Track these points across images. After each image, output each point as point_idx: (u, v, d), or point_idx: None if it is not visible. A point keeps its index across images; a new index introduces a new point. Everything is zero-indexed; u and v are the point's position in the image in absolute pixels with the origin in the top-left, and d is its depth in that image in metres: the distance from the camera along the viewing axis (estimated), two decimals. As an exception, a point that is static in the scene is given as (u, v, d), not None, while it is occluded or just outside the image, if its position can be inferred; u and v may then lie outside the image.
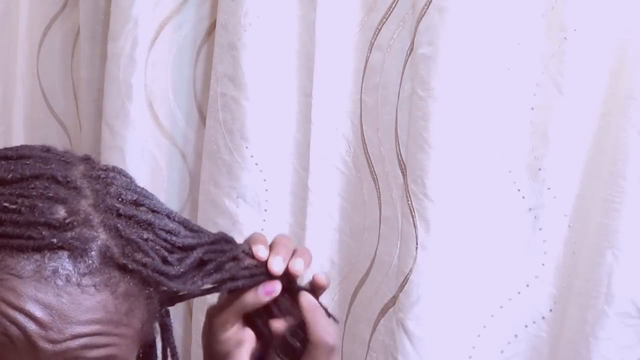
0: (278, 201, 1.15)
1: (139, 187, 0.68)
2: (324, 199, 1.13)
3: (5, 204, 0.61)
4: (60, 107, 1.44)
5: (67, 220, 0.60)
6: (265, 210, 1.15)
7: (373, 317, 1.07)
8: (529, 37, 0.96)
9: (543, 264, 0.99)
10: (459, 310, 1.01)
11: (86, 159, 0.68)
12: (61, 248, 0.59)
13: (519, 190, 0.99)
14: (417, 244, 0.98)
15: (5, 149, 0.67)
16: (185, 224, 0.68)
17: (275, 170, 1.14)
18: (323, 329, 0.70)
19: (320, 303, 0.74)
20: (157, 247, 0.64)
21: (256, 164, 1.14)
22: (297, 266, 0.71)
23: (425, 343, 1.00)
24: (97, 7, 1.28)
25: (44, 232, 0.60)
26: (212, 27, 1.21)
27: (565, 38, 0.94)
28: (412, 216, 0.98)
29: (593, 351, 0.94)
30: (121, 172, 0.68)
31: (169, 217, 0.67)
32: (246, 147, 1.13)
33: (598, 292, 0.93)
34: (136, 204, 0.65)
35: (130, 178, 0.69)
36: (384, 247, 1.07)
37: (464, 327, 1.01)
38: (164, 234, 0.65)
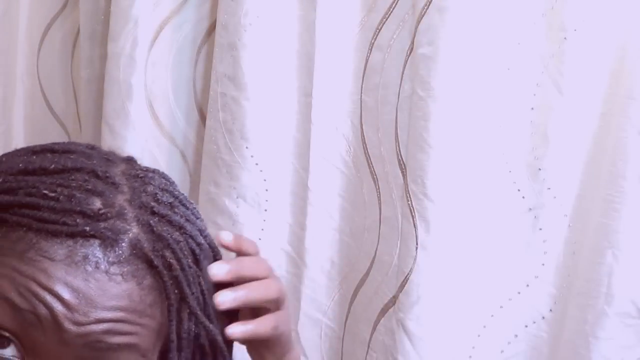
0: (278, 201, 1.15)
1: (179, 192, 0.70)
2: (324, 199, 1.13)
3: (45, 191, 0.63)
4: (60, 107, 1.44)
5: (102, 211, 0.63)
6: (265, 210, 1.15)
7: (373, 317, 1.07)
8: (529, 37, 0.96)
9: (543, 264, 0.99)
10: (459, 310, 1.01)
11: (128, 160, 0.70)
12: (93, 236, 0.62)
13: (519, 190, 0.99)
14: (417, 244, 0.98)
15: (53, 143, 0.69)
16: (212, 248, 0.70)
17: (275, 170, 1.14)
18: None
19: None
20: (185, 251, 0.66)
21: (256, 164, 1.14)
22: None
23: (425, 343, 1.00)
24: (97, 7, 1.28)
25: (78, 220, 0.62)
26: (212, 27, 1.21)
27: (565, 38, 0.94)
28: (412, 216, 0.98)
29: (593, 351, 0.94)
30: (162, 175, 0.70)
31: (200, 232, 0.69)
32: (246, 147, 1.13)
33: (598, 292, 0.93)
34: (171, 206, 0.67)
35: (171, 182, 0.71)
36: (384, 247, 1.07)
37: (464, 327, 1.01)
38: (192, 244, 0.67)
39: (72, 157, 0.67)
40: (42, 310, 0.60)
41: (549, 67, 0.96)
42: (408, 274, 0.99)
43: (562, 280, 0.99)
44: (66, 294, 0.60)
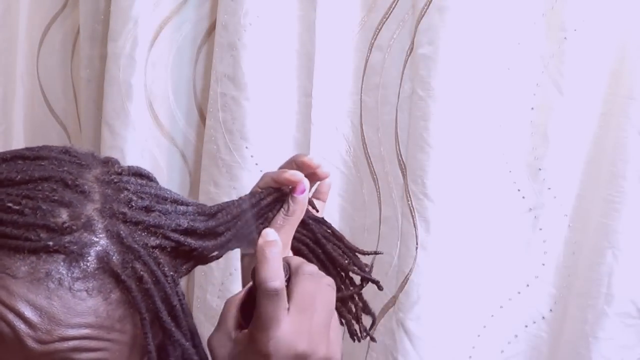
0: (278, 201, 1.15)
1: (155, 187, 0.68)
2: (324, 199, 1.13)
3: (9, 204, 0.61)
4: (60, 107, 1.44)
5: (66, 225, 0.61)
6: (265, 210, 1.15)
7: (373, 317, 1.07)
8: (529, 37, 0.96)
9: (543, 264, 0.99)
10: (459, 310, 1.01)
11: (106, 162, 0.69)
12: (57, 251, 0.60)
13: (519, 190, 0.99)
14: (417, 244, 0.98)
15: (26, 148, 0.67)
16: (202, 212, 0.68)
17: (275, 170, 1.14)
18: (265, 270, 0.65)
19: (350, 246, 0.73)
20: (160, 259, 0.64)
21: (256, 164, 1.14)
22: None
23: (425, 343, 1.00)
24: (97, 7, 1.28)
25: (41, 235, 0.60)
26: (212, 27, 1.21)
27: (565, 38, 0.94)
28: (412, 216, 0.98)
29: (593, 351, 0.94)
30: (139, 174, 0.69)
31: (184, 215, 0.67)
32: (246, 147, 1.13)
33: (598, 292, 0.93)
34: (147, 209, 0.65)
35: (149, 179, 0.69)
36: (384, 247, 1.07)
37: (464, 327, 1.01)
38: (177, 236, 0.66)
39: (42, 164, 0.65)
40: (4, 328, 0.59)
41: (549, 67, 0.96)
42: (408, 274, 0.99)
43: (562, 280, 0.99)
44: (28, 313, 0.59)
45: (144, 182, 0.68)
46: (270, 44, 1.12)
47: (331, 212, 1.13)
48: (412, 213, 0.98)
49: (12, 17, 1.37)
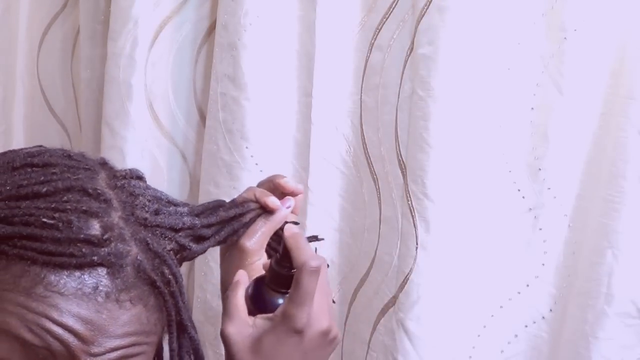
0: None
1: (152, 189, 0.70)
2: (324, 199, 1.13)
3: (44, 220, 0.62)
4: (60, 107, 1.44)
5: (105, 237, 0.62)
6: (265, 210, 1.15)
7: (373, 317, 1.07)
8: (529, 37, 0.96)
9: (543, 264, 0.99)
10: (459, 310, 1.01)
11: (102, 163, 0.70)
12: (100, 265, 0.62)
13: (519, 190, 0.99)
14: (417, 244, 0.98)
15: (28, 154, 0.68)
16: (192, 212, 0.72)
17: (275, 170, 1.14)
18: (303, 252, 0.73)
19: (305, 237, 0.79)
20: (176, 260, 0.68)
21: (256, 164, 1.14)
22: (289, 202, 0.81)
23: (425, 343, 1.00)
24: (97, 7, 1.28)
25: (84, 250, 0.61)
26: (212, 27, 1.21)
27: (565, 38, 0.94)
28: (412, 216, 0.98)
29: (593, 351, 0.94)
30: (138, 176, 0.71)
31: (182, 215, 0.70)
32: (246, 147, 1.13)
33: (598, 292, 0.93)
34: (157, 213, 0.68)
35: (144, 179, 0.71)
36: (384, 247, 1.07)
37: (464, 327, 1.01)
38: (182, 238, 0.69)
39: (54, 171, 0.65)
40: (57, 346, 0.60)
41: (549, 67, 0.96)
42: (408, 274, 0.99)
43: (562, 280, 0.99)
44: (80, 327, 0.60)
45: (145, 184, 0.70)
46: (270, 44, 1.12)
47: (331, 212, 1.13)
48: (412, 213, 0.98)
49: (12, 17, 1.37)
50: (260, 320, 0.73)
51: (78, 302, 0.60)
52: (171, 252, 0.67)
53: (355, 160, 1.12)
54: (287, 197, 0.82)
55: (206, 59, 1.23)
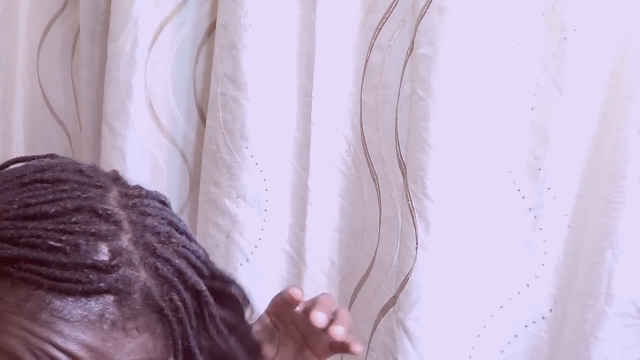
0: (278, 201, 1.15)
1: (167, 211, 0.68)
2: (324, 199, 1.13)
3: (51, 243, 0.60)
4: (60, 107, 1.44)
5: (113, 263, 0.61)
6: (265, 210, 1.15)
7: (373, 317, 1.07)
8: (529, 37, 0.96)
9: (543, 264, 0.99)
10: (459, 310, 1.01)
11: (115, 178, 0.68)
12: (107, 292, 0.60)
13: (519, 190, 0.99)
14: (417, 244, 0.98)
15: (38, 169, 0.66)
16: (206, 263, 0.69)
17: (275, 170, 1.14)
18: None
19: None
20: (187, 287, 0.65)
21: (256, 164, 1.14)
22: (337, 332, 0.80)
23: (425, 343, 1.00)
24: (97, 7, 1.28)
25: (91, 276, 0.60)
26: (212, 27, 1.21)
27: (565, 38, 0.94)
28: (412, 216, 0.98)
29: (593, 351, 0.94)
30: (151, 195, 0.68)
31: (194, 254, 0.67)
32: (246, 147, 1.13)
33: (598, 292, 0.93)
34: (169, 236, 0.65)
35: (165, 202, 0.69)
36: (384, 247, 1.07)
37: (464, 327, 1.01)
38: (193, 277, 0.66)
39: (64, 188, 0.64)
40: None
41: (549, 67, 0.96)
42: (408, 274, 0.99)
43: (562, 280, 0.99)
44: (84, 355, 0.59)
45: (157, 202, 0.68)
46: (270, 44, 1.11)
47: (331, 212, 1.13)
48: (412, 213, 0.98)
49: (12, 17, 1.37)
50: None
51: (83, 329, 0.59)
52: (182, 276, 0.64)
53: (355, 160, 1.12)
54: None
55: (206, 59, 1.23)
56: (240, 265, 1.16)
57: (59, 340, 0.59)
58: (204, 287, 0.66)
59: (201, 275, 0.67)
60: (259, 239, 1.15)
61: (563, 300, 0.99)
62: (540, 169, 0.97)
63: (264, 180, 1.14)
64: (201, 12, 1.22)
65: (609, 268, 0.93)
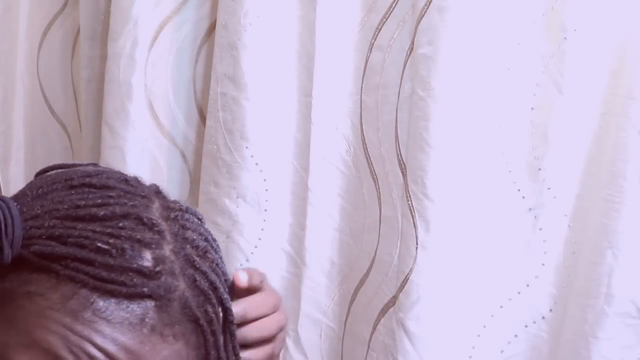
0: (278, 201, 1.15)
1: (204, 228, 0.69)
2: (324, 199, 1.13)
3: (99, 244, 0.61)
4: (60, 107, 1.44)
5: (157, 269, 0.62)
6: (265, 210, 1.15)
7: (373, 317, 1.07)
8: (529, 37, 0.96)
9: (543, 264, 0.99)
10: (459, 310, 1.01)
11: (157, 192, 0.69)
12: (149, 297, 0.61)
13: (519, 190, 0.99)
14: (417, 244, 0.98)
15: (85, 174, 0.67)
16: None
17: (275, 170, 1.14)
18: None
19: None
20: (219, 300, 0.67)
21: (256, 164, 1.14)
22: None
23: (425, 343, 1.00)
24: (97, 7, 1.28)
25: (135, 280, 0.61)
26: (212, 27, 1.21)
27: (565, 38, 0.94)
28: (412, 216, 0.98)
29: (593, 351, 0.94)
30: (192, 212, 0.69)
31: (224, 274, 0.69)
32: (246, 147, 1.13)
33: (598, 292, 0.93)
34: (205, 252, 0.67)
35: (200, 218, 0.70)
36: (384, 247, 1.07)
37: (464, 327, 1.01)
38: (223, 293, 0.67)
39: (111, 195, 0.65)
40: None
41: (549, 67, 0.96)
42: (408, 274, 0.99)
43: (562, 280, 0.99)
44: (122, 356, 0.60)
45: (195, 217, 0.69)
46: (270, 44, 1.12)
47: (331, 212, 1.13)
48: (412, 213, 0.98)
49: (12, 17, 1.37)
50: None
51: (123, 331, 0.60)
52: (216, 291, 0.66)
53: (355, 160, 1.12)
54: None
55: (206, 59, 1.23)
56: (240, 265, 1.16)
57: (98, 340, 0.60)
58: (231, 306, 0.67)
59: (227, 292, 0.68)
60: (259, 239, 1.15)
61: (563, 300, 0.99)
62: (540, 169, 0.97)
63: (264, 180, 1.14)
64: (201, 12, 1.22)
65: (609, 268, 0.93)
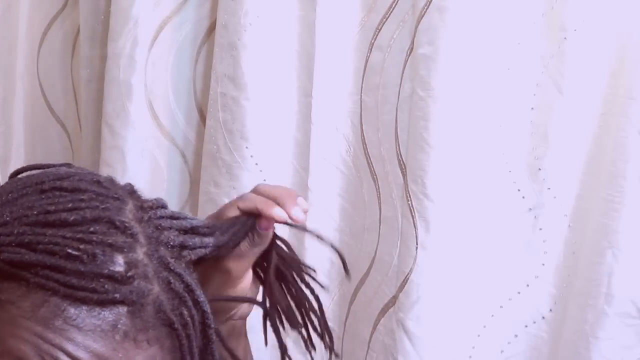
0: (278, 201, 1.15)
1: (177, 220, 0.68)
2: (324, 199, 1.13)
3: (69, 251, 0.61)
4: (60, 107, 1.44)
5: (129, 274, 0.61)
6: (265, 210, 1.15)
7: (373, 317, 1.07)
8: (529, 37, 0.96)
9: (543, 264, 0.99)
10: (459, 310, 1.01)
11: (131, 192, 0.68)
12: (122, 303, 0.61)
13: (519, 190, 0.99)
14: (417, 244, 0.98)
15: (57, 177, 0.66)
16: (211, 231, 0.70)
17: (275, 170, 1.14)
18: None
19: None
20: (195, 302, 0.66)
21: (256, 164, 1.14)
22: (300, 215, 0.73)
23: (425, 343, 1.00)
24: (97, 7, 1.28)
25: (106, 286, 0.60)
26: (212, 27, 1.21)
27: (565, 38, 0.94)
28: (412, 216, 0.98)
29: (593, 351, 0.94)
30: (162, 204, 0.69)
31: (207, 247, 0.69)
32: (246, 147, 1.13)
33: (598, 292, 0.93)
34: (181, 248, 0.66)
35: (167, 207, 0.69)
36: (384, 247, 1.07)
37: (464, 327, 1.01)
38: (199, 294, 0.67)
39: (83, 198, 0.64)
40: None
41: (549, 67, 0.96)
42: (408, 274, 0.99)
43: (562, 280, 0.99)
44: None
45: (170, 212, 0.68)
46: (270, 44, 1.12)
47: (331, 212, 1.13)
48: (412, 213, 0.98)
49: (12, 17, 1.37)
50: None
51: (95, 338, 0.60)
52: (192, 293, 0.65)
53: (355, 160, 1.12)
54: (263, 217, 0.72)
55: (206, 59, 1.23)
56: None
57: (70, 348, 0.59)
58: (208, 309, 0.66)
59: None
60: (259, 239, 1.15)
61: (563, 300, 0.99)
62: (540, 169, 0.97)
63: (264, 180, 1.14)
64: (201, 12, 1.22)
65: (609, 268, 0.93)
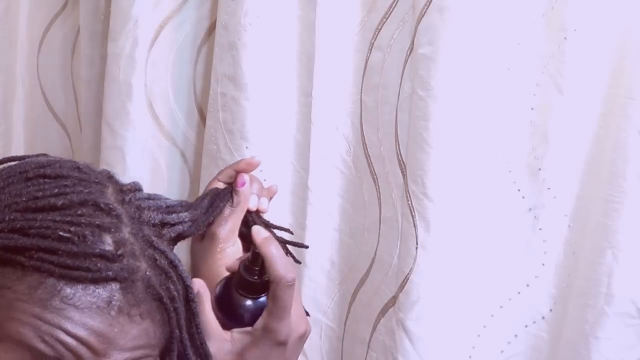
0: (278, 201, 1.15)
1: (154, 200, 0.73)
2: (324, 199, 1.13)
3: (61, 233, 0.63)
4: (60, 107, 1.44)
5: (119, 252, 0.64)
6: (265, 210, 1.15)
7: (373, 317, 1.07)
8: (529, 37, 0.96)
9: (543, 264, 0.99)
10: (459, 310, 1.01)
11: (109, 177, 0.72)
12: (114, 280, 0.63)
13: (519, 190, 0.99)
14: (417, 244, 0.98)
15: (39, 165, 0.69)
16: (186, 207, 0.77)
17: (275, 170, 1.14)
18: (278, 264, 0.73)
19: (280, 238, 0.82)
20: (179, 277, 0.69)
21: (256, 164, 1.14)
22: (263, 205, 0.85)
23: (425, 343, 1.00)
24: (97, 7, 1.28)
25: (99, 264, 0.63)
26: (212, 27, 1.21)
27: (565, 38, 0.94)
28: (412, 216, 0.98)
29: (593, 351, 0.94)
30: (138, 186, 0.72)
31: (184, 223, 0.74)
32: (246, 147, 1.13)
33: (598, 292, 0.93)
34: (162, 224, 0.71)
35: (143, 191, 0.73)
36: (384, 247, 1.07)
37: (464, 327, 1.01)
38: (182, 269, 0.70)
39: (68, 184, 0.67)
40: (69, 357, 0.61)
41: (549, 67, 0.96)
42: (408, 274, 0.99)
43: (562, 280, 0.99)
44: (93, 340, 0.62)
45: (147, 194, 0.72)
46: (270, 44, 1.12)
47: (331, 212, 1.13)
48: (412, 213, 0.98)
49: (12, 17, 1.37)
50: (239, 335, 0.74)
51: (92, 315, 0.62)
52: (176, 268, 0.68)
53: (355, 160, 1.12)
54: (239, 174, 0.84)
55: (206, 59, 1.23)
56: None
57: (69, 326, 0.61)
58: (191, 283, 0.70)
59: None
60: (259, 239, 1.15)
61: (563, 300, 0.99)
62: (540, 169, 0.97)
63: (264, 180, 1.14)
64: (201, 12, 1.22)
65: (609, 268, 0.92)
